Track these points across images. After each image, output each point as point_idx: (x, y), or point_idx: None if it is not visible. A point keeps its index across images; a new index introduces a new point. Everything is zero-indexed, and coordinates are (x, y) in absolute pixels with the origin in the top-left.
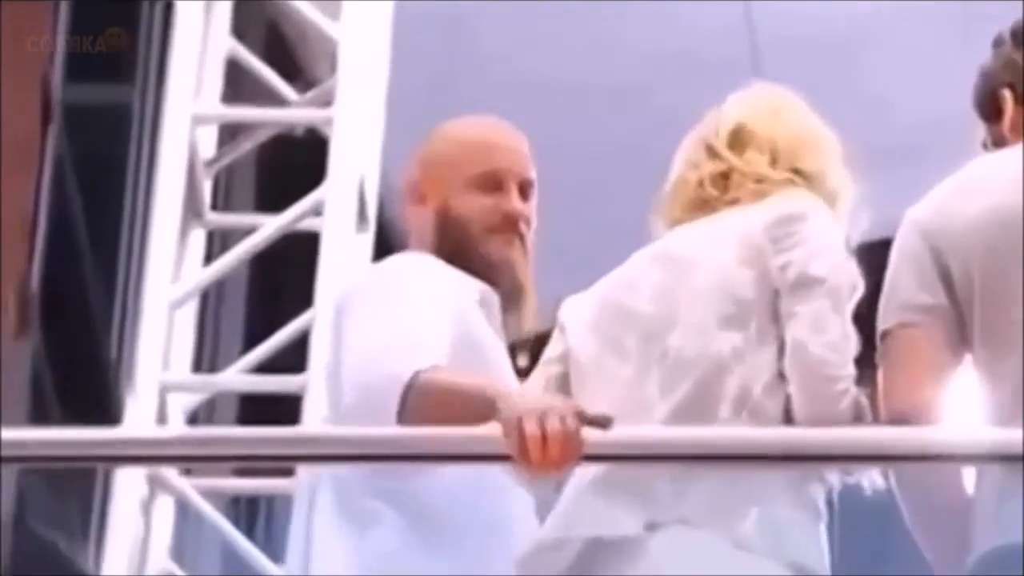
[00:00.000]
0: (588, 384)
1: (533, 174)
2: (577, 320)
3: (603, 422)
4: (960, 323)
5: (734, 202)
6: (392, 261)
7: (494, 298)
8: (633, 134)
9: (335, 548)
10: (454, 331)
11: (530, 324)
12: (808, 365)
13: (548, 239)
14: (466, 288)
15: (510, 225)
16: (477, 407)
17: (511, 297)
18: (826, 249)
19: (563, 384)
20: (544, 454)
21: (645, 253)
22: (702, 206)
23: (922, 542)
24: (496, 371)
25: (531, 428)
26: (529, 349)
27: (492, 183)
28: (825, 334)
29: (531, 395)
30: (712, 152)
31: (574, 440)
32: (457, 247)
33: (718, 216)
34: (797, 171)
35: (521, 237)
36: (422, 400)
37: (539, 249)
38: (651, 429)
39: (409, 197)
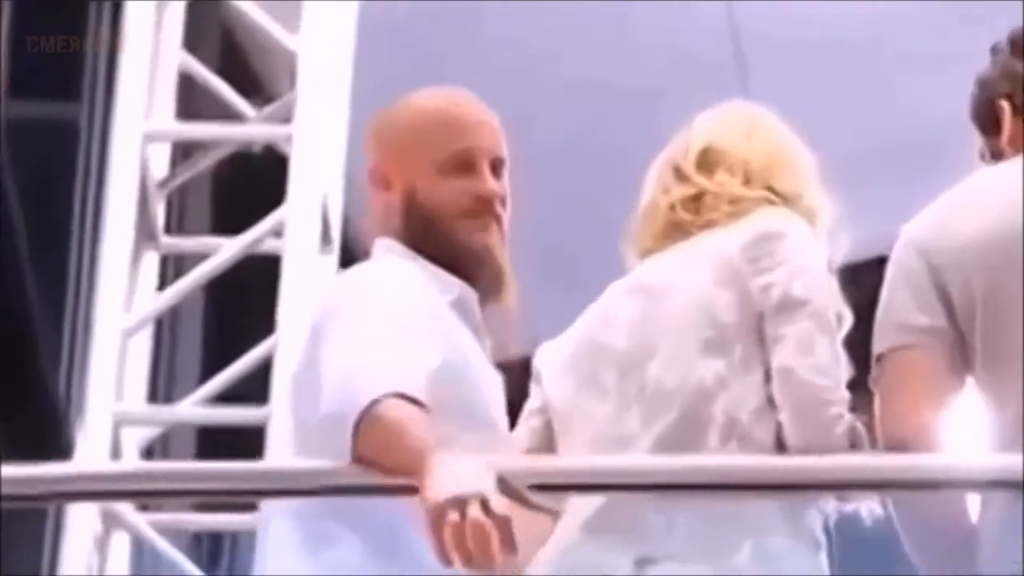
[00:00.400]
0: (569, 427)
1: (505, 150)
2: (552, 365)
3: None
4: (960, 344)
5: (708, 225)
6: (365, 271)
7: (469, 293)
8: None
9: (290, 567)
10: (439, 348)
11: (512, 306)
12: (798, 390)
13: (555, 244)
14: (443, 291)
15: (485, 208)
16: (406, 468)
17: (492, 285)
18: (808, 268)
19: (547, 434)
20: (466, 557)
21: (620, 286)
22: (675, 231)
23: (925, 572)
24: (477, 385)
25: (448, 533)
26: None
27: (462, 164)
28: (813, 356)
29: (458, 476)
30: (681, 175)
31: (496, 537)
32: (427, 235)
33: (693, 240)
34: (772, 190)
35: (497, 219)
36: (370, 429)
37: (545, 256)
38: (637, 457)
39: (372, 182)
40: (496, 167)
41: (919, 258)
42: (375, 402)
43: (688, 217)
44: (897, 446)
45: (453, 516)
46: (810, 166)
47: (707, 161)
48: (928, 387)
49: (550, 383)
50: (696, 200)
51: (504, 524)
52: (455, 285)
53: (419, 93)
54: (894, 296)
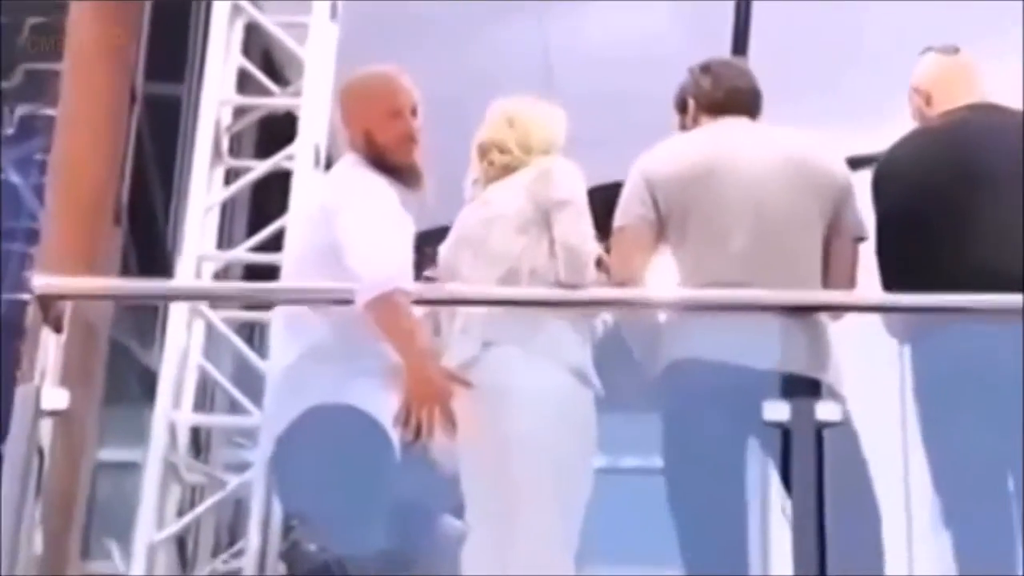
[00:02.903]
0: (453, 279)
1: (418, 100)
2: (446, 246)
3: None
4: (659, 226)
5: (519, 168)
6: (357, 178)
7: (406, 193)
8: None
9: (278, 345)
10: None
11: (427, 200)
12: (567, 251)
13: None
14: (397, 192)
15: (411, 140)
16: (398, 347)
17: (416, 183)
18: (570, 184)
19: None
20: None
21: (475, 201)
22: (502, 173)
23: (637, 354)
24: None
25: (416, 421)
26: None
27: (396, 113)
28: (575, 232)
29: (426, 367)
30: (494, 151)
31: (439, 420)
32: (380, 157)
33: (512, 177)
34: (529, 146)
35: (417, 144)
36: (389, 304)
37: None
38: (489, 287)
39: (342, 122)
40: (414, 111)
41: (641, 178)
42: (394, 290)
43: (505, 166)
44: (621, 284)
45: (416, 418)
46: (546, 120)
47: (495, 145)
48: (639, 249)
49: (444, 257)
50: (503, 153)
51: (449, 414)
52: (400, 188)
53: (365, 71)
54: (627, 196)
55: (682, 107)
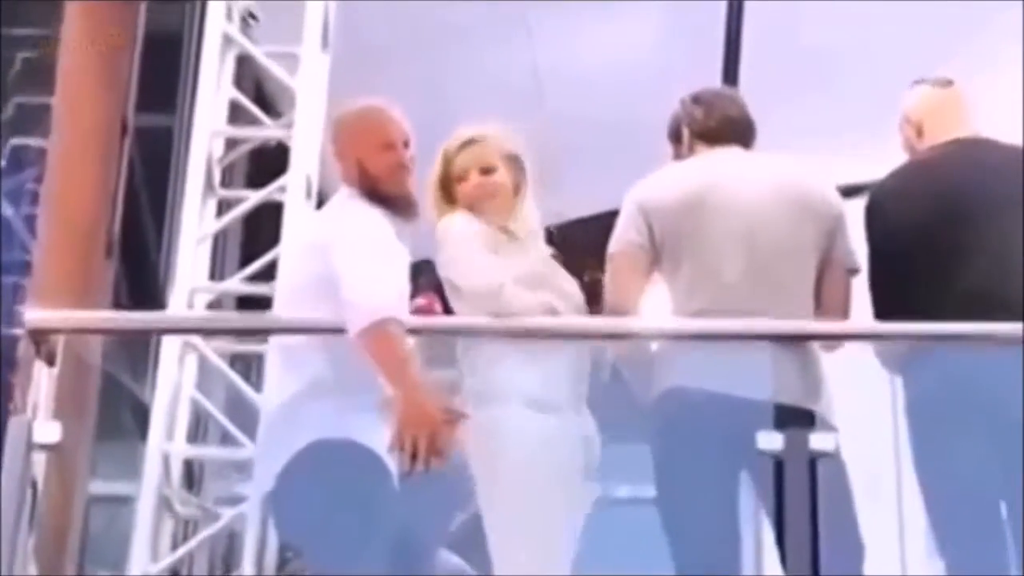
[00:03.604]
0: None
1: (409, 131)
2: None
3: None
4: (654, 254)
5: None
6: (353, 212)
7: (400, 223)
8: None
9: (275, 380)
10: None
11: (419, 222)
12: (473, 294)
13: None
14: (392, 223)
15: (404, 171)
16: (391, 376)
17: (411, 213)
18: (448, 248)
19: None
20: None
21: None
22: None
23: (631, 383)
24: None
25: (409, 450)
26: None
27: (388, 146)
28: (465, 275)
29: (418, 396)
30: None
31: (436, 453)
32: (373, 188)
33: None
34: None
35: (410, 174)
36: (380, 333)
37: None
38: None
39: (336, 157)
40: (407, 143)
41: (636, 207)
42: (387, 319)
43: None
44: (613, 312)
45: (409, 448)
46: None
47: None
48: (633, 276)
49: None
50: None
51: (442, 450)
52: (395, 219)
53: (359, 104)
54: (622, 225)
55: (676, 137)
